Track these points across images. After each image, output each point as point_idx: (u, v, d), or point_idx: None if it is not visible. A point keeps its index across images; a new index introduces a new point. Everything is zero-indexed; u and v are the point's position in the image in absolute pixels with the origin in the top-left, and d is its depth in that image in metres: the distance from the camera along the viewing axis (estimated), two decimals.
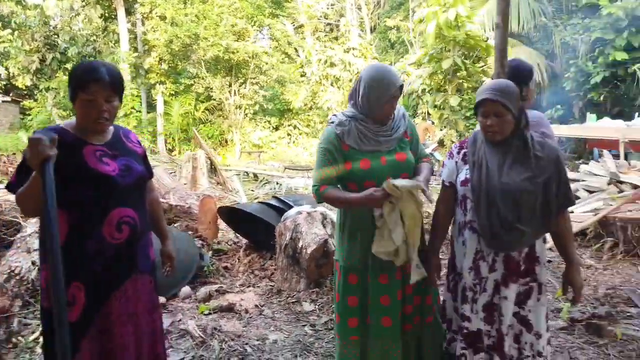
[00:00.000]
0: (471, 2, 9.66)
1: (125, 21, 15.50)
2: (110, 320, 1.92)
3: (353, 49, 15.14)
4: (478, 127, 2.24)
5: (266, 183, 8.59)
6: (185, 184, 7.02)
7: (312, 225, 4.09)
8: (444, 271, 2.44)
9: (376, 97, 2.15)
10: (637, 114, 10.91)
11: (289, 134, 18.08)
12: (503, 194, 2.04)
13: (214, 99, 15.82)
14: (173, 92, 16.38)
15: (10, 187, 1.88)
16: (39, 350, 3.09)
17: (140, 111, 15.83)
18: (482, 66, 9.43)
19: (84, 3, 15.95)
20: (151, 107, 16.94)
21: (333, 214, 4.56)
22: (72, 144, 1.89)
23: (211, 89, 15.47)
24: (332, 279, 4.17)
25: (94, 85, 1.85)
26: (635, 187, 5.50)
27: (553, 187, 2.05)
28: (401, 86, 2.22)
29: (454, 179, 2.24)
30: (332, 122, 2.26)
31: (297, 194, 7.20)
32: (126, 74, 15.22)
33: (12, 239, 4.20)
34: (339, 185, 2.26)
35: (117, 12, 15.29)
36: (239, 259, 4.86)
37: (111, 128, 2.04)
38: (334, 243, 2.41)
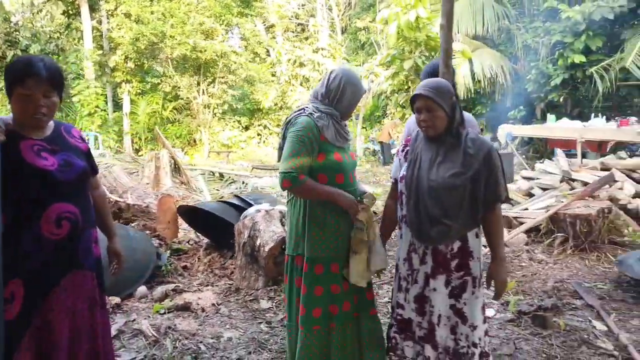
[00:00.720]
0: (432, 5, 9.85)
1: (89, 18, 15.15)
2: (50, 316, 1.91)
3: (322, 49, 15.21)
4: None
5: (232, 182, 8.56)
6: (147, 183, 6.94)
7: (270, 223, 4.11)
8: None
9: (356, 99, 2.40)
10: (593, 114, 11.32)
11: (259, 134, 18.03)
12: (430, 190, 2.13)
13: (182, 98, 15.64)
14: (140, 91, 16.12)
15: None
16: None
17: (105, 110, 15.52)
18: None
19: None
20: (117, 106, 16.61)
21: None
22: (8, 137, 1.85)
23: (179, 88, 15.29)
24: None
25: (31, 80, 1.83)
26: (585, 184, 5.72)
27: (482, 184, 2.11)
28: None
29: (398, 175, 2.35)
30: (311, 114, 2.32)
31: (262, 193, 7.21)
32: (91, 72, 14.89)
33: None
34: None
35: (81, 9, 14.93)
36: (199, 259, 4.85)
37: (51, 123, 2.02)
38: (290, 242, 2.39)
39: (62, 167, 1.94)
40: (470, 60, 13.16)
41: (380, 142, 14.70)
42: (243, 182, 8.77)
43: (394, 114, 17.80)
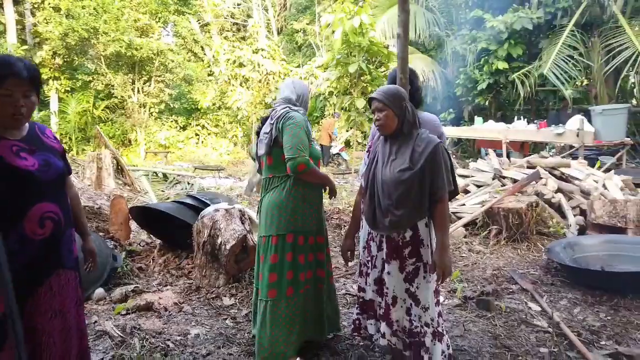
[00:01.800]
0: (372, 10, 10.31)
1: (12, 11, 14.18)
2: (35, 317, 1.92)
3: (262, 49, 15.26)
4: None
5: (177, 183, 8.43)
6: (89, 185, 6.70)
7: (231, 222, 4.19)
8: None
9: (305, 95, 2.98)
10: (516, 117, 12.27)
11: (197, 134, 17.71)
12: (382, 184, 2.43)
13: (116, 97, 15.03)
14: (69, 89, 15.30)
15: None
16: None
17: None
18: (384, 71, 10.13)
19: None
20: (44, 104, 15.65)
21: (251, 211, 4.69)
22: None
23: (112, 86, 14.68)
24: (250, 274, 4.31)
25: (11, 80, 1.84)
26: (514, 181, 6.27)
27: (427, 178, 2.36)
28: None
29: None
30: (297, 111, 2.83)
31: (215, 193, 7.20)
32: None
33: None
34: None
35: (3, 1, 13.94)
36: (153, 259, 4.81)
37: (26, 124, 2.02)
38: (273, 224, 2.82)
39: (42, 167, 1.96)
40: None
41: (321, 145, 14.98)
42: (188, 183, 8.66)
43: (331, 114, 18.20)
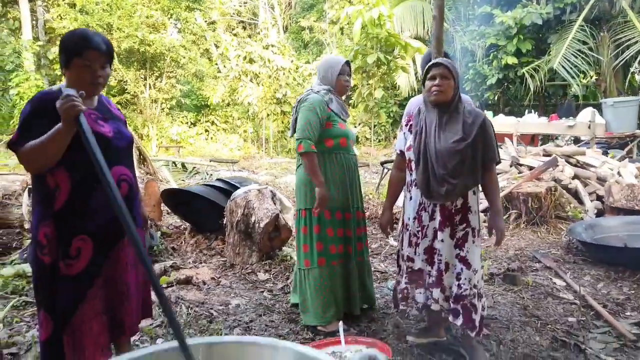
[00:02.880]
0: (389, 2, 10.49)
1: (27, 7, 14.35)
2: (116, 268, 2.05)
3: (272, 45, 15.42)
4: (420, 99, 2.75)
5: (196, 173, 8.59)
6: None
7: (264, 202, 4.34)
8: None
9: (330, 69, 3.02)
10: (527, 111, 12.39)
11: (207, 130, 17.86)
12: (436, 154, 2.50)
13: (128, 92, 15.18)
14: None
15: (14, 145, 1.93)
16: None
17: None
18: (401, 64, 10.27)
19: None
20: None
21: (281, 193, 4.84)
22: None
23: (125, 82, 14.83)
24: (282, 253, 4.46)
25: (91, 52, 1.96)
26: (530, 168, 6.40)
27: (480, 148, 2.50)
28: (348, 62, 3.09)
29: (403, 147, 2.71)
30: (317, 92, 2.98)
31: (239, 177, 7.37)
32: (30, 63, 14.10)
33: None
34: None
35: None
36: (184, 240, 4.96)
37: (96, 96, 2.15)
38: (301, 199, 3.04)
39: (115, 134, 2.09)
40: (413, 60, 13.91)
41: None
42: (207, 173, 8.82)
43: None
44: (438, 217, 2.58)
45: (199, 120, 18.04)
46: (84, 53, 1.96)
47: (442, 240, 2.57)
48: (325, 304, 2.98)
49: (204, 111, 18.11)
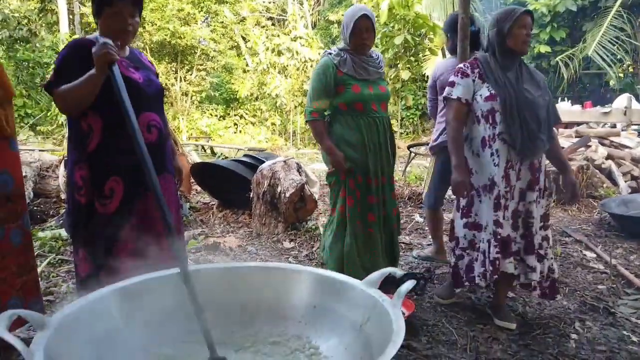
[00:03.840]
0: None
1: (64, 1, 14.87)
2: (147, 213, 2.12)
3: (300, 37, 15.51)
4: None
5: (224, 158, 8.75)
6: None
7: (289, 172, 4.39)
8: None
9: (346, 26, 2.76)
10: (559, 99, 12.09)
11: (235, 124, 18.10)
12: (527, 107, 2.34)
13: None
14: None
15: (49, 86, 2.03)
16: None
17: None
18: (429, 45, 10.18)
19: None
20: None
21: (305, 165, 4.88)
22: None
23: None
24: (307, 224, 4.50)
25: (119, 1, 2.03)
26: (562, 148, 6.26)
27: (549, 105, 2.45)
28: (367, 17, 2.70)
29: (470, 96, 2.43)
30: (330, 54, 2.80)
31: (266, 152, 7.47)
32: None
33: None
34: (327, 113, 2.84)
35: None
36: (213, 214, 5.06)
37: (127, 47, 2.22)
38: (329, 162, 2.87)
39: (145, 81, 2.16)
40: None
41: None
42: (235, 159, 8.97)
43: None
44: (526, 177, 2.41)
45: (228, 114, 18.28)
46: (113, 2, 2.04)
47: (532, 202, 2.41)
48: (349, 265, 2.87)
49: (233, 105, 18.34)
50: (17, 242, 2.06)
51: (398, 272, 1.52)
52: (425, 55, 10.09)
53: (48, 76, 12.89)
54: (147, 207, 2.12)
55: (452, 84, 2.46)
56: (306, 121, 2.84)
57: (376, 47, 11.89)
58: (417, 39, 9.68)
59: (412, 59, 10.19)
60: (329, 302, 1.59)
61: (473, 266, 2.53)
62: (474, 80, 2.44)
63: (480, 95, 2.41)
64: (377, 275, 1.54)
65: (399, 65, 10.04)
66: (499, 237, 2.38)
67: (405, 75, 9.99)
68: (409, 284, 1.41)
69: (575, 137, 6.65)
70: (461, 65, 2.52)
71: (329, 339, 1.56)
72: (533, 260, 2.46)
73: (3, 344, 2.05)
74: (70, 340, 1.28)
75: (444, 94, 2.51)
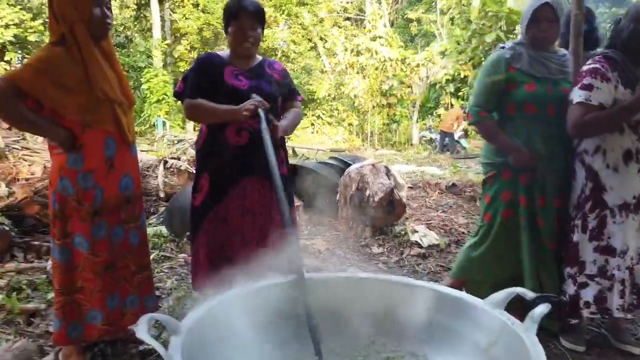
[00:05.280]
0: None
1: (157, 9, 15.88)
2: (228, 210, 2.24)
3: (379, 37, 15.40)
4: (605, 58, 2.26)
5: (306, 159, 8.88)
6: None
7: (378, 176, 4.34)
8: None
9: (524, 15, 2.41)
10: None
11: (312, 124, 18.34)
12: None
13: None
14: None
15: (178, 95, 2.32)
16: None
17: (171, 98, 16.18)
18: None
19: None
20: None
21: (393, 168, 4.81)
22: (217, 64, 2.27)
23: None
24: (395, 229, 4.43)
25: (241, 13, 2.17)
26: None
27: None
28: (549, 5, 2.30)
29: (610, 102, 2.18)
30: (503, 48, 2.46)
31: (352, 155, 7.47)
32: (159, 61, 15.58)
33: None
34: (493, 114, 2.47)
35: (150, 0, 15.67)
36: (298, 216, 5.12)
37: (259, 58, 2.35)
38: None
39: (251, 87, 2.23)
40: None
41: (443, 131, 14.82)
42: (316, 160, 9.07)
43: (449, 105, 17.78)
44: None
45: (305, 114, 18.57)
46: (236, 15, 2.18)
47: None
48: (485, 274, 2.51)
49: (310, 105, 18.60)
50: (135, 242, 2.19)
51: (529, 293, 1.41)
52: None
53: (142, 79, 13.78)
54: (229, 204, 2.24)
55: (589, 88, 2.17)
56: (471, 122, 2.54)
57: (463, 43, 11.26)
58: (511, 36, 9.21)
59: None
60: (448, 320, 1.53)
61: (605, 297, 2.24)
62: (615, 86, 2.18)
63: (623, 99, 2.17)
64: (503, 295, 1.45)
65: (467, 80, 9.60)
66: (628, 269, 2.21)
67: None
68: (543, 308, 1.31)
69: None
70: (597, 66, 2.21)
71: (448, 359, 1.50)
72: None
73: (115, 338, 2.24)
74: (200, 343, 1.33)
75: (578, 97, 2.19)
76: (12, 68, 14.42)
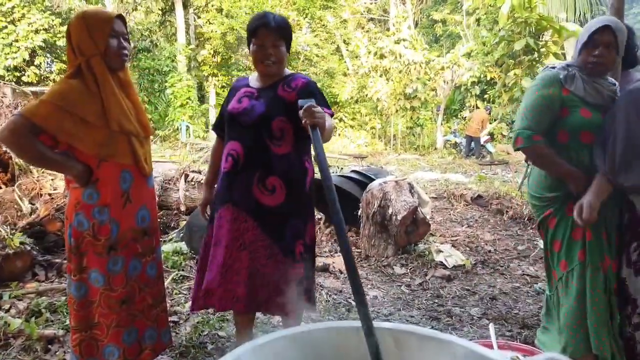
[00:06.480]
0: None
1: (182, 14, 16.04)
2: (218, 222, 2.12)
3: (404, 40, 15.19)
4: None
5: (329, 167, 8.78)
6: None
7: (401, 194, 4.23)
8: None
9: (581, 37, 2.14)
10: None
11: (334, 127, 18.28)
12: None
13: None
14: (225, 85, 16.80)
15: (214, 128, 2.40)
16: None
17: (195, 102, 16.31)
18: (553, 49, 9.32)
19: None
20: (204, 98, 17.40)
21: (418, 185, 4.68)
22: (236, 88, 2.20)
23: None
24: (418, 248, 4.30)
25: (262, 29, 2.02)
26: None
27: None
28: (610, 29, 2.04)
29: None
30: (554, 67, 2.21)
31: (375, 168, 7.36)
32: (183, 66, 15.73)
33: None
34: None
35: (175, 5, 15.84)
36: (320, 230, 5.04)
37: (285, 74, 2.13)
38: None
39: (246, 111, 2.06)
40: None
41: (468, 136, 14.56)
42: (338, 167, 8.97)
43: (474, 107, 17.44)
44: None
45: None
46: (257, 32, 2.05)
47: None
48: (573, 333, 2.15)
49: (333, 108, 18.53)
50: (153, 274, 2.14)
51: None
52: (547, 61, 9.32)
53: (167, 83, 13.89)
54: (219, 218, 2.17)
55: None
56: (520, 147, 2.14)
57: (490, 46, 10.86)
58: (540, 42, 8.93)
59: (534, 63, 9.33)
60: None
61: None
62: None
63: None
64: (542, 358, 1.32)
65: (517, 73, 9.32)
66: None
67: (525, 82, 9.25)
68: None
69: None
70: (633, 88, 2.05)
71: None
72: None
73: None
74: None
75: None
76: (42, 73, 14.75)
